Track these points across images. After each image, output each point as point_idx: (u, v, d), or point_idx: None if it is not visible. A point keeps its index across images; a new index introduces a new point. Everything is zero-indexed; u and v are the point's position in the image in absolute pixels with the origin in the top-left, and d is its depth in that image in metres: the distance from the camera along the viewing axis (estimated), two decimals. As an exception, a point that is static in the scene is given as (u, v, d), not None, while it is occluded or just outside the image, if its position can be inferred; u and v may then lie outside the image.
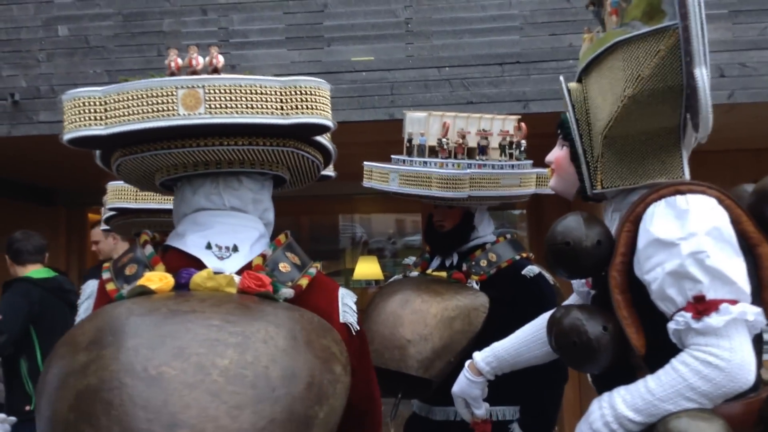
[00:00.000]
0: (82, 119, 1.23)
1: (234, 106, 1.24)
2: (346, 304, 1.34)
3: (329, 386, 1.09)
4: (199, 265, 1.29)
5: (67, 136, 1.25)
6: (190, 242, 1.34)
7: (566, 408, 4.90)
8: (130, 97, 1.23)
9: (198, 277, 1.23)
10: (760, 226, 1.43)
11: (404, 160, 2.51)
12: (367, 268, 7.37)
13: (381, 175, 2.53)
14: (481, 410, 2.05)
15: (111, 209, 2.61)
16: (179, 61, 1.39)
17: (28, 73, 4.52)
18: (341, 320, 1.31)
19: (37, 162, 5.29)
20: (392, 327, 2.26)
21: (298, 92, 1.27)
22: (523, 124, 2.60)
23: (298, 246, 1.41)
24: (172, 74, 1.36)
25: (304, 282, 1.30)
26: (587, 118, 1.59)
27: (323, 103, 1.30)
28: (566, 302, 1.85)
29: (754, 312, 1.33)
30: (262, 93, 1.25)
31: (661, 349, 1.40)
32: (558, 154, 1.68)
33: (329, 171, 1.62)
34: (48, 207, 6.61)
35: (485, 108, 4.12)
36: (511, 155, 2.55)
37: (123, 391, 0.98)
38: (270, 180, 1.46)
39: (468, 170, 2.40)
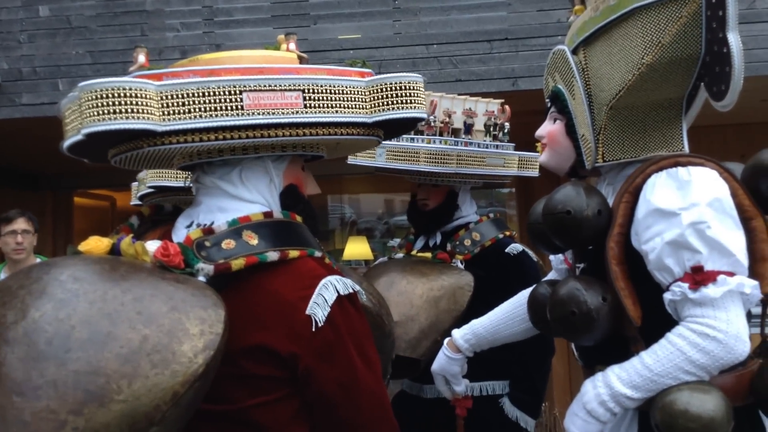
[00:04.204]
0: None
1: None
2: (321, 295, 1.23)
3: (153, 365, 1.01)
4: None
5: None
6: (178, 221, 1.37)
7: (556, 383, 4.96)
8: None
9: (123, 243, 1.24)
10: (755, 200, 1.43)
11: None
12: (357, 249, 7.37)
13: (368, 151, 2.50)
14: (461, 387, 2.07)
15: (151, 187, 2.63)
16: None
17: (9, 55, 4.44)
18: (307, 311, 1.21)
19: (20, 146, 5.22)
20: (389, 317, 2.27)
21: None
22: (507, 107, 2.60)
23: (290, 228, 1.32)
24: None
25: (237, 262, 1.20)
26: (588, 90, 1.56)
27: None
28: (545, 279, 1.86)
29: (751, 285, 1.33)
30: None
31: (655, 322, 1.40)
32: (551, 128, 1.65)
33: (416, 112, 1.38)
34: (34, 192, 6.54)
35: (474, 85, 4.09)
36: (494, 137, 2.56)
37: None
38: (263, 160, 1.39)
39: (456, 147, 2.42)
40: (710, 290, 1.31)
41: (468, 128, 2.50)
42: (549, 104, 1.69)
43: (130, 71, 1.31)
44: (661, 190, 1.39)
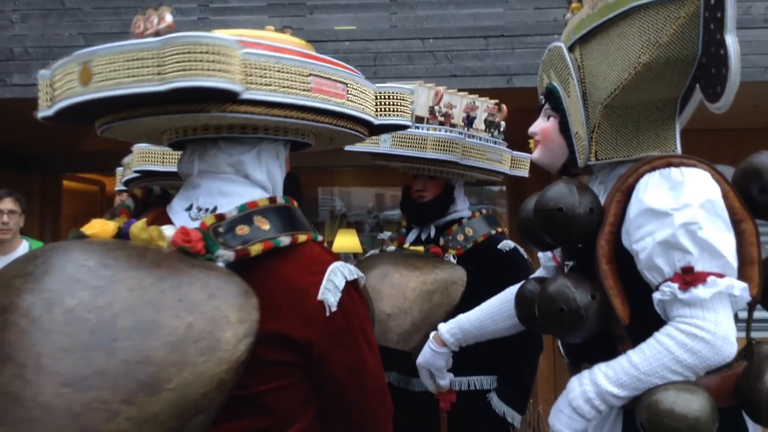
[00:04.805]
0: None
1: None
2: (331, 281, 1.25)
3: (201, 352, 0.99)
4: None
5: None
6: (174, 203, 1.34)
7: (540, 381, 4.98)
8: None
9: (134, 228, 1.20)
10: (745, 203, 1.44)
11: None
12: (346, 242, 7.37)
13: (372, 138, 2.47)
14: (445, 381, 2.09)
15: (136, 171, 2.60)
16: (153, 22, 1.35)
17: (1, 34, 4.39)
18: (319, 297, 1.23)
19: (9, 127, 5.17)
20: (371, 302, 2.27)
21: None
22: (504, 106, 2.60)
23: (292, 213, 1.32)
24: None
25: (256, 248, 1.19)
26: (583, 88, 1.56)
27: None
28: (532, 276, 1.87)
29: (740, 287, 1.34)
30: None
31: (643, 322, 1.41)
32: (545, 125, 1.65)
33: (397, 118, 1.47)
34: (22, 174, 6.48)
35: (469, 81, 4.09)
36: (492, 134, 2.57)
37: None
38: (278, 143, 1.39)
39: (462, 137, 2.43)
40: (700, 291, 1.32)
41: (471, 121, 2.50)
42: (543, 101, 1.69)
43: (158, 30, 1.26)
44: (653, 190, 1.40)
